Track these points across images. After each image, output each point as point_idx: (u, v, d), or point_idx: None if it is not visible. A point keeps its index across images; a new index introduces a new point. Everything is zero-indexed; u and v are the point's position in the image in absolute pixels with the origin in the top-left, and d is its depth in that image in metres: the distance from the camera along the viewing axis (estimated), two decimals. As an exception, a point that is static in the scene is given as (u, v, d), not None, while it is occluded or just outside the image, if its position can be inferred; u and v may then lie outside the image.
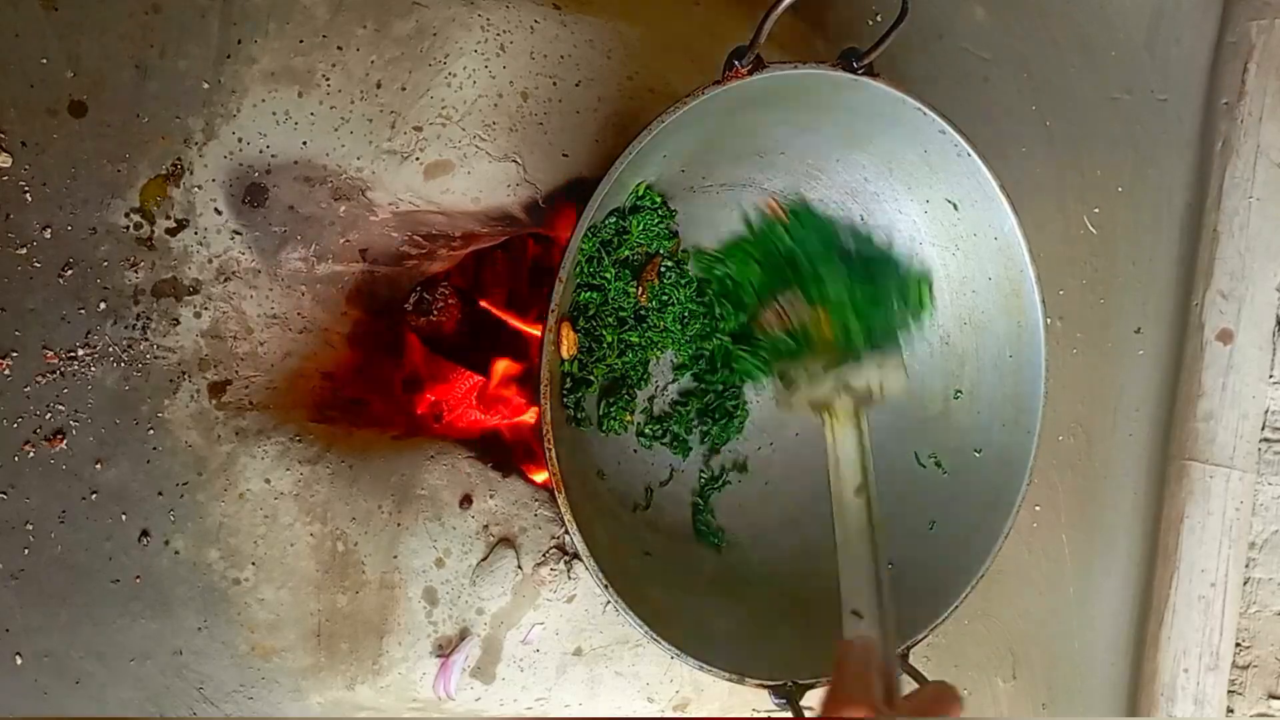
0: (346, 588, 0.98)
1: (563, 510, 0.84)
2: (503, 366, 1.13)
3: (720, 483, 1.15)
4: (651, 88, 1.06)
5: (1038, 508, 1.60)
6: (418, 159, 0.98)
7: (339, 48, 0.96)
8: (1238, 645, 1.65)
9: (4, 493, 0.92)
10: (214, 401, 0.97)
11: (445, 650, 0.99)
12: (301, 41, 0.96)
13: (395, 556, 0.98)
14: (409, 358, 1.19)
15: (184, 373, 0.97)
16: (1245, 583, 1.64)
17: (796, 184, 1.11)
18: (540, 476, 1.06)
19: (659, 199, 1.02)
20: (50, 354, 0.93)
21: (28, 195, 0.92)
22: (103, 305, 0.94)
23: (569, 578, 1.02)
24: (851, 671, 0.72)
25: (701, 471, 1.15)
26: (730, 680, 0.90)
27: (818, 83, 0.91)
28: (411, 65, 0.98)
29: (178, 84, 0.94)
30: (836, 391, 0.96)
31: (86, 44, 0.92)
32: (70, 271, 0.93)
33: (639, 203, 1.01)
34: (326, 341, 1.03)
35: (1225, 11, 1.64)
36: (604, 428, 1.08)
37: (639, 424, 1.11)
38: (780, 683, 0.91)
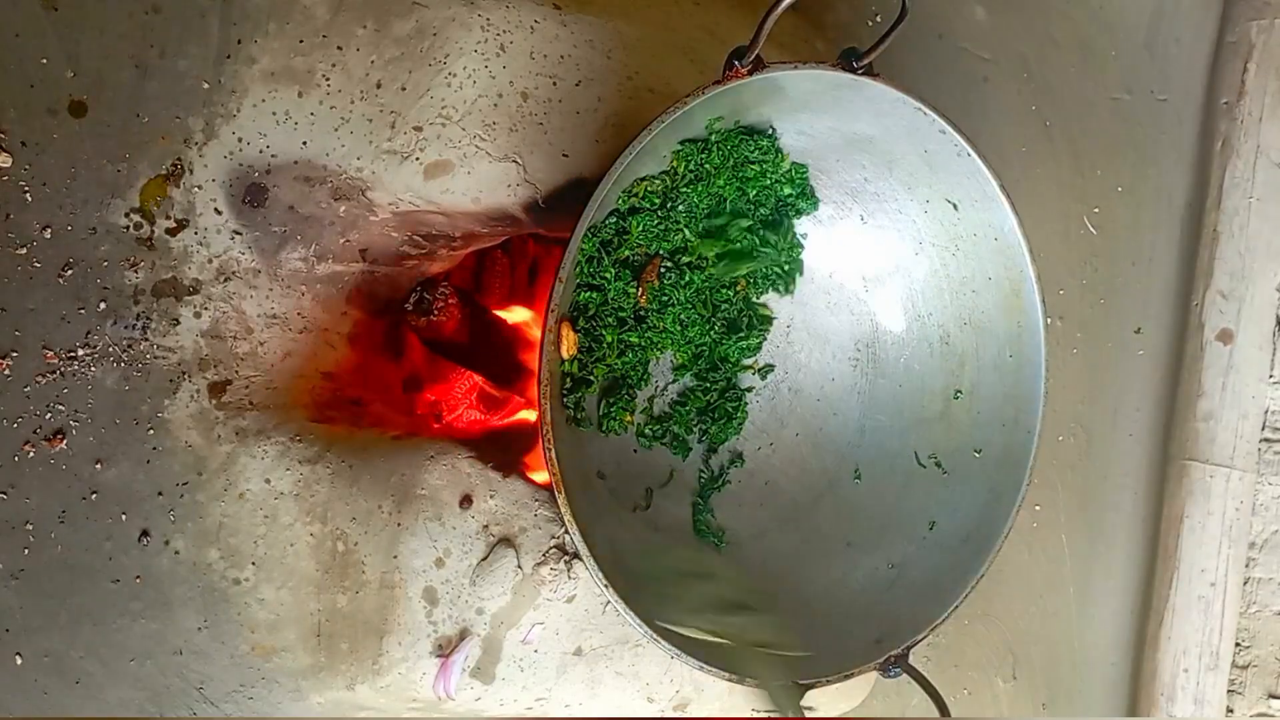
0: (346, 588, 0.98)
1: (563, 510, 0.84)
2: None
3: (720, 482, 1.15)
4: (651, 88, 1.06)
5: (1038, 508, 1.60)
6: (418, 159, 0.98)
7: (339, 48, 0.96)
8: (1238, 645, 1.65)
9: (4, 493, 0.93)
10: (214, 401, 0.97)
11: (445, 650, 0.99)
12: (301, 41, 0.96)
13: (395, 556, 0.98)
14: (409, 358, 1.19)
15: (184, 373, 0.97)
16: (1245, 583, 1.65)
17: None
18: (540, 476, 1.06)
19: (657, 200, 1.02)
20: (50, 354, 0.93)
21: (28, 195, 0.92)
22: (103, 305, 0.94)
23: (569, 578, 1.02)
24: None
25: (701, 471, 1.15)
26: (730, 680, 0.90)
27: (818, 83, 0.91)
28: (411, 65, 0.98)
29: (178, 84, 0.94)
30: None
31: (86, 44, 0.92)
32: (70, 271, 0.93)
33: (639, 203, 1.01)
34: (326, 341, 1.03)
35: (1225, 11, 1.65)
36: (604, 428, 1.08)
37: (639, 424, 1.11)
38: (781, 683, 0.91)
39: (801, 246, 1.14)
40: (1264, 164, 1.58)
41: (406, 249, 1.05)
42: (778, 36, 1.03)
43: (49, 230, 0.92)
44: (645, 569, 0.99)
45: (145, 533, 0.95)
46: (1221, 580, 1.58)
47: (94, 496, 0.94)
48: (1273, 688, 1.66)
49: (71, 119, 0.92)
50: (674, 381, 1.14)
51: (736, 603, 1.01)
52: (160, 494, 0.96)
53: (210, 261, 0.97)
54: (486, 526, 1.01)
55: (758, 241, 1.11)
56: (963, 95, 1.54)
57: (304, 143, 0.97)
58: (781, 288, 1.15)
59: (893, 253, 1.13)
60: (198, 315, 0.97)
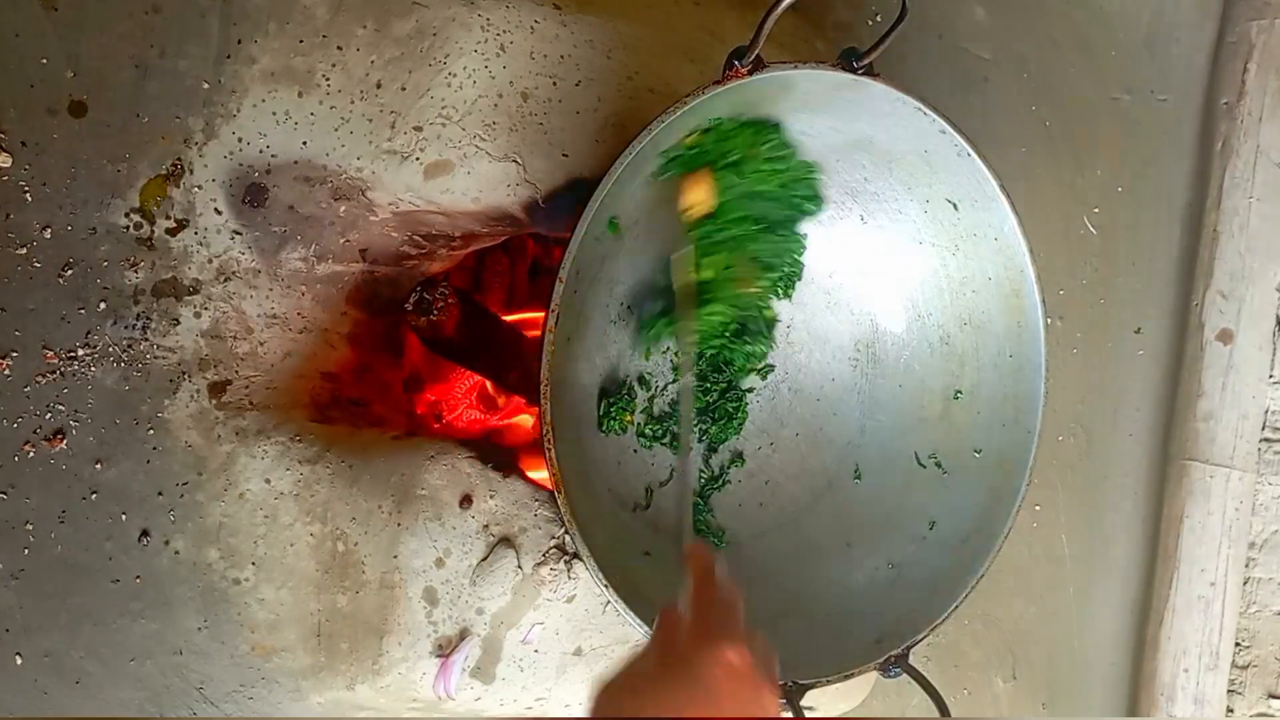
0: (346, 588, 0.98)
1: (563, 510, 0.84)
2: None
3: (720, 482, 1.15)
4: (651, 88, 1.06)
5: (1038, 508, 1.60)
6: (418, 159, 0.98)
7: (339, 48, 0.96)
8: (1238, 645, 1.65)
9: (4, 493, 0.93)
10: (214, 401, 0.97)
11: (445, 650, 0.99)
12: (301, 41, 0.96)
13: (395, 556, 0.98)
14: (409, 358, 1.19)
15: (184, 373, 0.97)
16: (1245, 583, 1.65)
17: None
18: (540, 474, 1.07)
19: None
20: (50, 354, 0.93)
21: (28, 195, 0.92)
22: (103, 305, 0.94)
23: (569, 578, 1.02)
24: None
25: (701, 471, 1.15)
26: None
27: (818, 83, 0.91)
28: (411, 65, 0.98)
29: (178, 84, 0.94)
30: None
31: (86, 44, 0.92)
32: (70, 271, 0.93)
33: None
34: (326, 341, 1.03)
35: (1225, 11, 1.65)
36: (604, 428, 1.08)
37: (639, 424, 1.11)
38: (780, 682, 0.91)
39: (804, 249, 1.14)
40: (1264, 164, 1.58)
41: (406, 249, 1.04)
42: (778, 36, 1.02)
43: (49, 230, 0.92)
44: (645, 570, 0.99)
45: (145, 533, 0.95)
46: (1221, 580, 1.58)
47: (94, 496, 0.94)
48: (1273, 688, 1.66)
49: (71, 119, 0.92)
50: (674, 381, 1.14)
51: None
52: (160, 494, 0.96)
53: (210, 261, 0.97)
54: (486, 526, 1.01)
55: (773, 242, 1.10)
56: (963, 95, 1.54)
57: (304, 143, 0.97)
58: (780, 291, 1.15)
59: (893, 253, 1.13)
60: (198, 315, 0.97)
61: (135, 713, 0.96)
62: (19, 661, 0.94)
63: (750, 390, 1.17)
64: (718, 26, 1.20)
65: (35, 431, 0.93)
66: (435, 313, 1.07)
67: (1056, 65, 1.59)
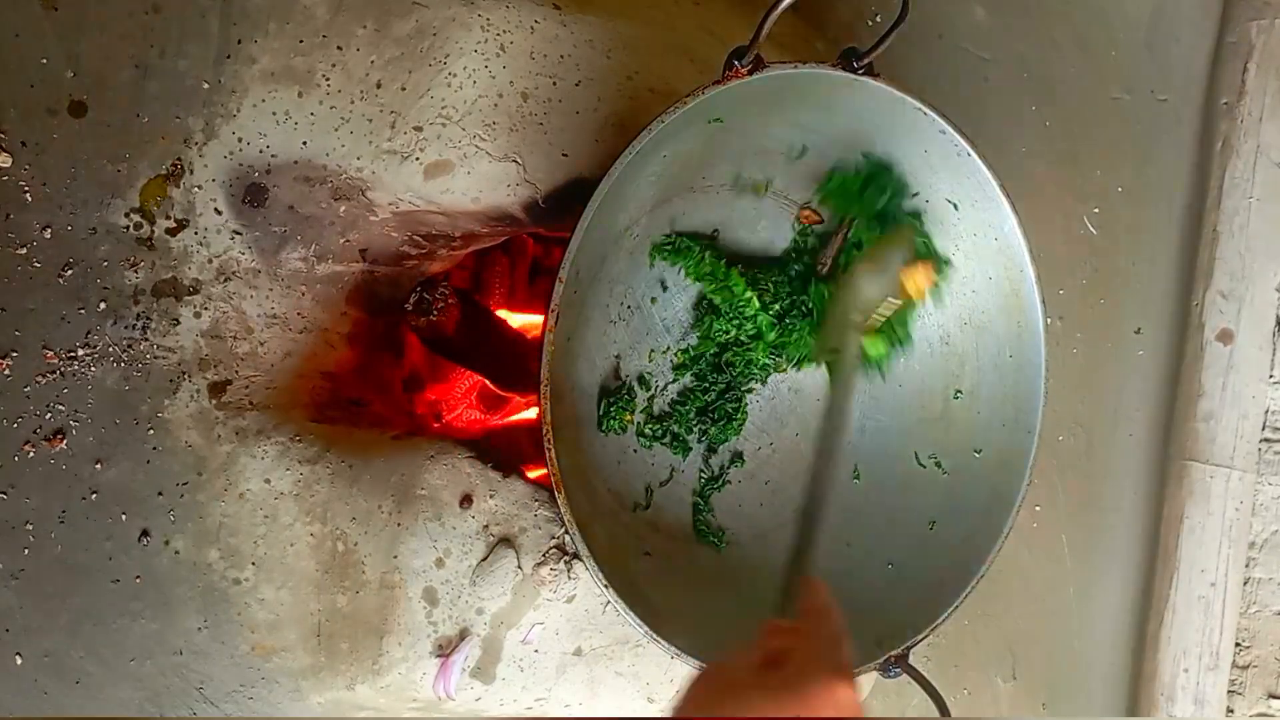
0: (346, 588, 0.98)
1: (563, 510, 0.84)
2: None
3: (720, 482, 1.15)
4: (651, 88, 1.06)
5: (1038, 508, 1.60)
6: (418, 159, 0.98)
7: (339, 48, 0.96)
8: (1238, 645, 1.65)
9: (4, 493, 0.93)
10: (214, 401, 0.97)
11: (445, 650, 0.99)
12: (301, 41, 0.96)
13: (395, 556, 0.98)
14: (409, 358, 1.19)
15: (184, 373, 0.97)
16: (1245, 583, 1.65)
17: (796, 184, 1.11)
18: (539, 474, 1.07)
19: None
20: (50, 354, 0.93)
21: (28, 195, 0.92)
22: (103, 305, 0.94)
23: (569, 578, 1.02)
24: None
25: (701, 471, 1.15)
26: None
27: (818, 83, 0.91)
28: (411, 65, 0.98)
29: (178, 84, 0.94)
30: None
31: (86, 44, 0.92)
32: (70, 271, 0.93)
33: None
34: (326, 341, 1.03)
35: (1225, 11, 1.64)
36: (604, 428, 1.08)
37: (639, 423, 1.11)
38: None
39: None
40: (1264, 164, 1.58)
41: (406, 249, 1.05)
42: (778, 36, 1.03)
43: (49, 230, 0.92)
44: (645, 570, 0.99)
45: (145, 533, 0.95)
46: (1221, 580, 1.58)
47: (94, 496, 0.94)
48: (1273, 688, 1.66)
49: (71, 119, 0.92)
50: (674, 381, 1.14)
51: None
52: (160, 494, 0.96)
53: (210, 261, 0.97)
54: (486, 526, 1.01)
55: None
56: (963, 95, 1.54)
57: (304, 143, 0.97)
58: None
59: (893, 253, 1.13)
60: (198, 315, 0.97)
61: (135, 713, 0.96)
62: (19, 661, 0.94)
63: (750, 390, 1.17)
64: (718, 26, 1.20)
65: (35, 431, 0.93)
66: (435, 313, 1.08)
67: (1056, 65, 1.59)
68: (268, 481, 0.98)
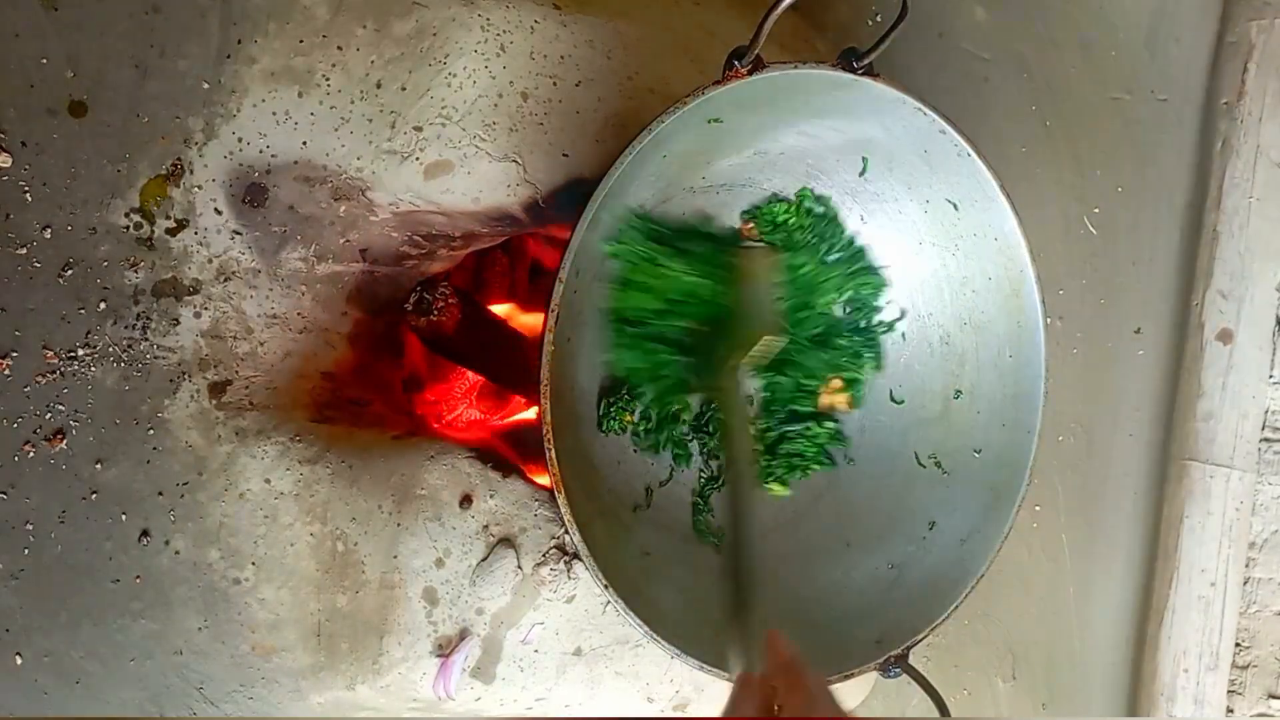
0: (346, 588, 0.98)
1: (563, 510, 0.84)
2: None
3: (720, 483, 1.15)
4: (651, 88, 1.06)
5: (1038, 508, 1.60)
6: (418, 159, 0.98)
7: (339, 48, 0.96)
8: (1238, 645, 1.65)
9: (4, 493, 0.92)
10: (214, 401, 0.97)
11: (445, 650, 0.99)
12: (301, 41, 0.96)
13: (395, 556, 0.98)
14: (409, 358, 1.19)
15: (184, 373, 0.97)
16: (1245, 583, 1.64)
17: (796, 184, 1.11)
18: (540, 475, 1.07)
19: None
20: (50, 354, 0.93)
21: (28, 195, 0.92)
22: (103, 305, 0.94)
23: (569, 578, 1.02)
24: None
25: (701, 471, 1.15)
26: (730, 680, 0.90)
27: (818, 83, 0.91)
28: (411, 65, 0.98)
29: (178, 84, 0.94)
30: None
31: (86, 44, 0.92)
32: (70, 271, 0.93)
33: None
34: (326, 341, 1.03)
35: (1225, 11, 1.64)
36: (604, 428, 1.08)
37: (638, 429, 1.11)
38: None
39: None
40: (1264, 164, 1.58)
41: (406, 249, 1.04)
42: (778, 36, 1.02)
43: (49, 230, 0.92)
44: (645, 570, 0.99)
45: (145, 533, 0.95)
46: (1221, 580, 1.58)
47: (94, 496, 0.94)
48: (1273, 688, 1.66)
49: (71, 119, 0.92)
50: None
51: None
52: (160, 494, 0.96)
53: (210, 261, 0.97)
54: (486, 526, 1.01)
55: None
56: (963, 95, 1.54)
57: (304, 143, 0.97)
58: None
59: (893, 253, 1.13)
60: (198, 315, 0.97)
61: (135, 713, 0.96)
62: (19, 661, 0.94)
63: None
64: (718, 26, 1.20)
65: (35, 431, 0.93)
66: (435, 313, 1.07)
67: (1056, 65, 1.59)
68: (268, 481, 0.98)
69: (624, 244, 1.02)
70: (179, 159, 0.95)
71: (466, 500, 1.00)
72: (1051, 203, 1.59)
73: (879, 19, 1.50)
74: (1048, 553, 1.61)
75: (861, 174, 1.07)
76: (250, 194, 0.97)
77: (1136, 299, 1.64)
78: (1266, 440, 1.64)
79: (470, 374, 1.25)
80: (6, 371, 0.92)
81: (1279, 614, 1.66)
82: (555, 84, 1.01)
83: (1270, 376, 1.62)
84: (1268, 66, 1.58)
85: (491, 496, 1.01)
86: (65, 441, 0.94)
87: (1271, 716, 1.65)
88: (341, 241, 1.01)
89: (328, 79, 0.96)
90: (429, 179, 0.99)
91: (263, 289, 0.99)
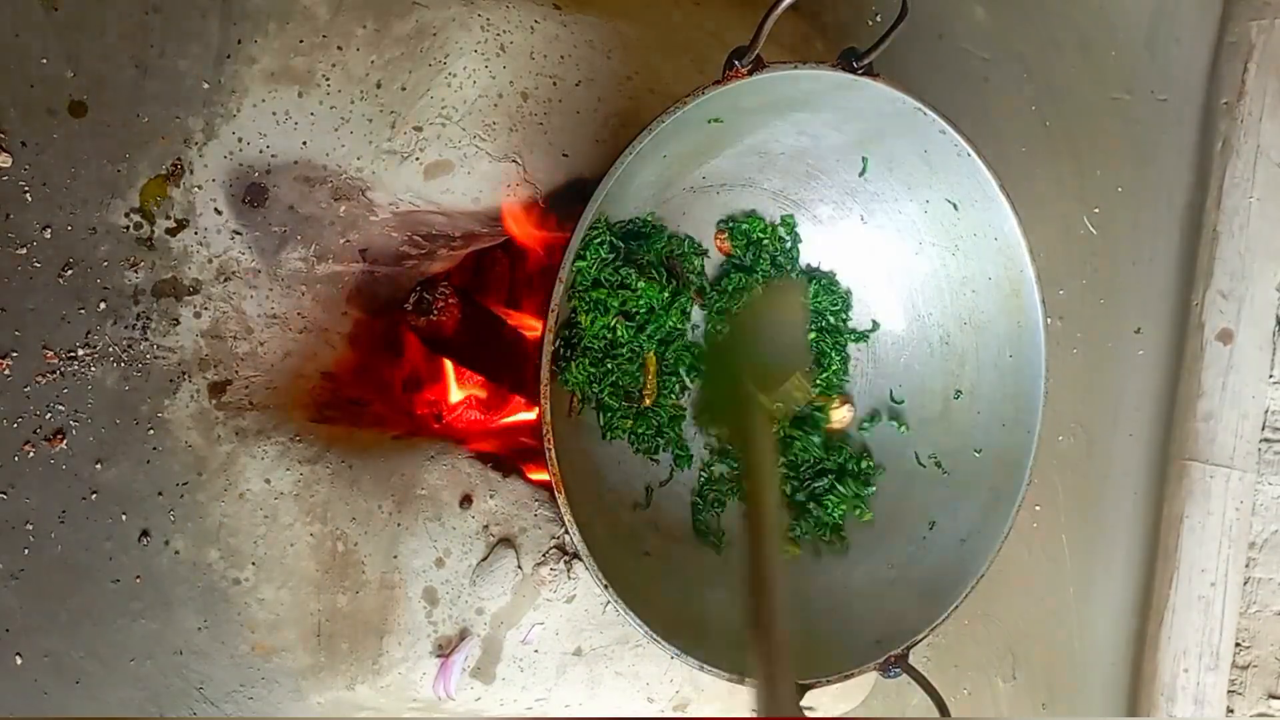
0: (346, 588, 0.98)
1: (563, 510, 0.84)
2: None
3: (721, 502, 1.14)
4: (651, 88, 1.06)
5: (1038, 508, 1.60)
6: (418, 159, 0.98)
7: (339, 48, 0.96)
8: (1238, 645, 1.65)
9: (4, 493, 0.92)
10: (214, 401, 0.97)
11: (445, 650, 0.99)
12: (301, 41, 0.96)
13: (395, 556, 0.98)
14: (409, 358, 1.19)
15: (184, 373, 0.97)
16: (1245, 583, 1.64)
17: (796, 184, 1.11)
18: (540, 475, 1.06)
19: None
20: (50, 354, 0.93)
21: (28, 195, 0.92)
22: (103, 305, 0.94)
23: (569, 578, 1.02)
24: None
25: (701, 471, 1.15)
26: (730, 680, 0.90)
27: (818, 83, 0.91)
28: (411, 65, 0.98)
29: (178, 84, 0.94)
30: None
31: (86, 44, 0.92)
32: (70, 271, 0.93)
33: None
34: (326, 341, 1.03)
35: (1225, 11, 1.64)
36: (606, 436, 1.08)
37: (635, 434, 1.10)
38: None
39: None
40: (1264, 164, 1.58)
41: (406, 249, 1.05)
42: (778, 36, 1.02)
43: (49, 230, 0.92)
44: (645, 570, 0.99)
45: (145, 533, 0.95)
46: (1221, 580, 1.58)
47: (94, 496, 0.94)
48: (1273, 688, 1.66)
49: (71, 119, 0.92)
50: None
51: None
52: (160, 494, 0.96)
53: (210, 261, 0.97)
54: (486, 526, 1.01)
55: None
56: (963, 95, 1.54)
57: (304, 143, 0.97)
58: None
59: (893, 253, 1.13)
60: (198, 315, 0.97)
61: (135, 713, 0.96)
62: (19, 661, 0.94)
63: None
64: (718, 26, 1.20)
65: (35, 431, 0.93)
66: (435, 313, 1.07)
67: (1056, 65, 1.59)
68: (268, 481, 0.98)
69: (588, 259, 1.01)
70: (179, 159, 0.95)
71: (466, 500, 1.00)
72: (1051, 203, 1.59)
73: (879, 19, 1.50)
74: (1048, 553, 1.61)
75: (861, 174, 1.07)
76: (250, 194, 0.97)
77: (1136, 299, 1.64)
78: (1266, 440, 1.64)
79: (470, 374, 1.25)
80: (6, 371, 0.92)
81: (1279, 614, 1.66)
82: (555, 84, 1.01)
83: (1270, 376, 1.62)
84: (1268, 66, 1.58)
85: (491, 496, 1.01)
86: (65, 441, 0.94)
87: (1271, 716, 1.65)
88: (341, 241, 1.01)
89: (328, 79, 0.96)
90: (429, 179, 0.99)
91: (263, 289, 0.99)
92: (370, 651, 0.98)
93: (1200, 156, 1.65)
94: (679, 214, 1.10)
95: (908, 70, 1.46)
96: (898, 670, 0.96)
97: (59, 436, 0.94)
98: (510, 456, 1.08)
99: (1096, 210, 1.62)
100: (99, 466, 0.94)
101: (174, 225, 0.96)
